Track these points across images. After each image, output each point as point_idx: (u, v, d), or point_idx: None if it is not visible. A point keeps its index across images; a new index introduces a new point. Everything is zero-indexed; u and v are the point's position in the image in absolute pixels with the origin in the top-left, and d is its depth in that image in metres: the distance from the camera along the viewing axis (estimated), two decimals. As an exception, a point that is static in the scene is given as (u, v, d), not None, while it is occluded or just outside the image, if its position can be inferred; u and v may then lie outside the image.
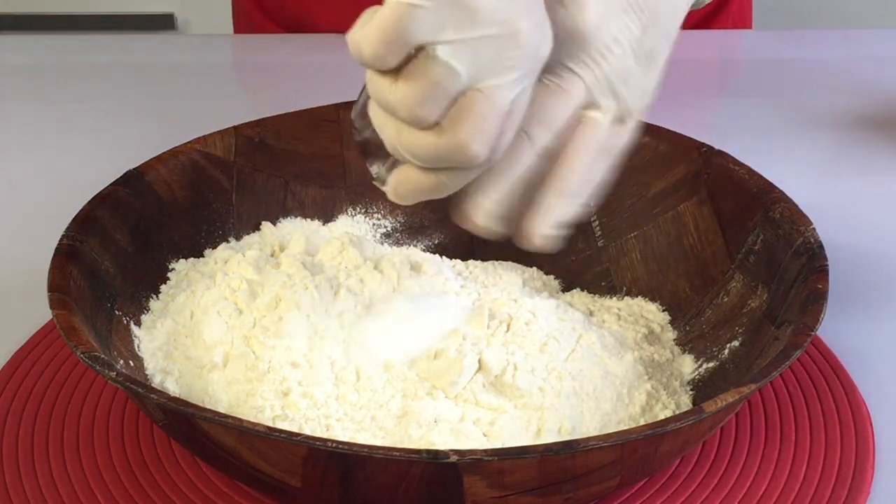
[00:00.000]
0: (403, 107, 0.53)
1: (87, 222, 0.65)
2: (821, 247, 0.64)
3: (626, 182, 0.74)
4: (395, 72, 0.54)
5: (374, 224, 0.77)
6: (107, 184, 0.68)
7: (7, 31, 2.24)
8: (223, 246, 0.72)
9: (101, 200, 0.67)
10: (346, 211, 0.77)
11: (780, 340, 0.60)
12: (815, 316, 0.59)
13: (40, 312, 0.69)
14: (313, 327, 0.63)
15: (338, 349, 0.63)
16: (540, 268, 0.75)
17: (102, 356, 0.56)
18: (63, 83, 1.06)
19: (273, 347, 0.62)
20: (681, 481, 0.61)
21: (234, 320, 0.65)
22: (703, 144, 0.72)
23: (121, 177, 0.69)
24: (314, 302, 0.64)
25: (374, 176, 0.60)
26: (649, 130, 0.74)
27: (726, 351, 0.66)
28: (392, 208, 0.77)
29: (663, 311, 0.71)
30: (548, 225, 0.59)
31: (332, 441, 0.51)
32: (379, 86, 0.54)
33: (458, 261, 0.75)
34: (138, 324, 0.66)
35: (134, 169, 0.70)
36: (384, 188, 0.59)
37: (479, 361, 0.61)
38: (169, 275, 0.69)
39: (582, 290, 0.74)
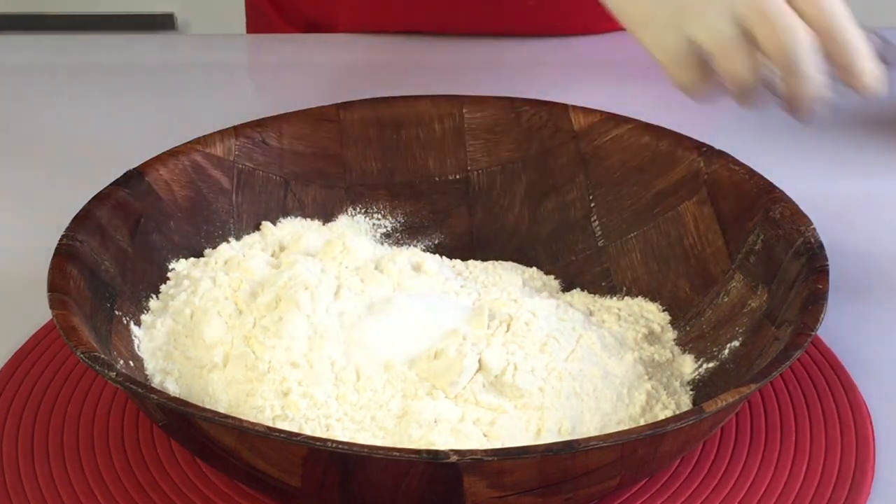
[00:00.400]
0: None
1: (87, 222, 0.65)
2: (821, 247, 0.64)
3: (626, 182, 0.74)
4: None
5: (374, 224, 0.77)
6: (107, 184, 0.68)
7: (7, 31, 2.23)
8: (223, 246, 0.72)
9: (101, 200, 0.67)
10: (346, 211, 0.77)
11: (780, 340, 0.60)
12: (816, 316, 0.59)
13: (40, 312, 0.69)
14: (313, 327, 0.63)
15: (338, 349, 0.63)
16: (540, 268, 0.75)
17: (102, 356, 0.56)
18: (63, 83, 1.06)
19: (273, 347, 0.62)
20: (681, 481, 0.61)
21: (234, 320, 0.65)
22: (703, 144, 0.72)
23: (121, 177, 0.69)
24: (314, 302, 0.64)
25: None
26: (649, 130, 0.74)
27: (726, 351, 0.66)
28: (392, 208, 0.77)
29: (663, 311, 0.71)
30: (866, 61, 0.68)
31: (332, 441, 0.51)
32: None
33: (458, 261, 0.75)
34: (138, 324, 0.66)
35: (134, 169, 0.70)
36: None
37: (479, 361, 0.61)
38: (169, 275, 0.69)
39: (582, 290, 0.74)
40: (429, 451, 0.51)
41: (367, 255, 0.71)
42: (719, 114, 1.01)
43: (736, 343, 0.65)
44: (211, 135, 0.73)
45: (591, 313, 0.70)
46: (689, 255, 0.71)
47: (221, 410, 0.60)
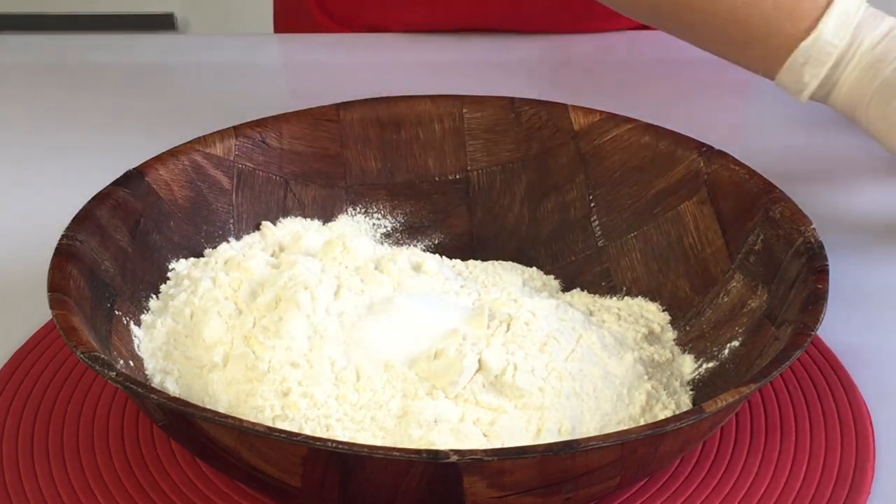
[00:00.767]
0: None
1: (87, 222, 0.65)
2: (821, 247, 0.64)
3: (626, 182, 0.74)
4: None
5: (374, 224, 0.77)
6: (107, 184, 0.68)
7: (7, 31, 2.23)
8: (223, 246, 0.72)
9: (101, 200, 0.67)
10: (346, 211, 0.77)
11: (780, 340, 0.60)
12: (816, 316, 0.59)
13: (40, 312, 0.69)
14: (313, 327, 0.63)
15: (338, 349, 0.63)
16: (540, 268, 0.75)
17: (102, 356, 0.56)
18: (63, 83, 1.06)
19: (273, 347, 0.62)
20: (681, 481, 0.61)
21: (234, 320, 0.65)
22: (703, 144, 0.72)
23: (121, 177, 0.69)
24: (314, 302, 0.64)
25: None
26: (649, 130, 0.74)
27: (726, 351, 0.66)
28: (392, 208, 0.77)
29: (663, 311, 0.71)
30: None
31: (332, 441, 0.51)
32: None
33: (458, 261, 0.75)
34: (138, 324, 0.66)
35: (134, 169, 0.70)
36: None
37: (479, 361, 0.61)
38: (169, 275, 0.69)
39: (582, 290, 0.74)
40: (429, 451, 0.51)
41: (367, 255, 0.71)
42: (719, 114, 1.01)
43: (736, 343, 0.65)
44: (211, 135, 0.73)
45: (591, 313, 0.70)
46: (689, 255, 0.71)
47: (221, 410, 0.60)
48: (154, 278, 0.68)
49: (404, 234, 0.77)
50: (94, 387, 0.67)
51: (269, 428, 0.52)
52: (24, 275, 0.75)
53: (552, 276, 0.75)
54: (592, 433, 0.60)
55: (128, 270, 0.66)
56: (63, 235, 0.63)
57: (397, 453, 0.51)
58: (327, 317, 0.64)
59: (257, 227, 0.74)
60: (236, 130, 0.74)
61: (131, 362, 0.63)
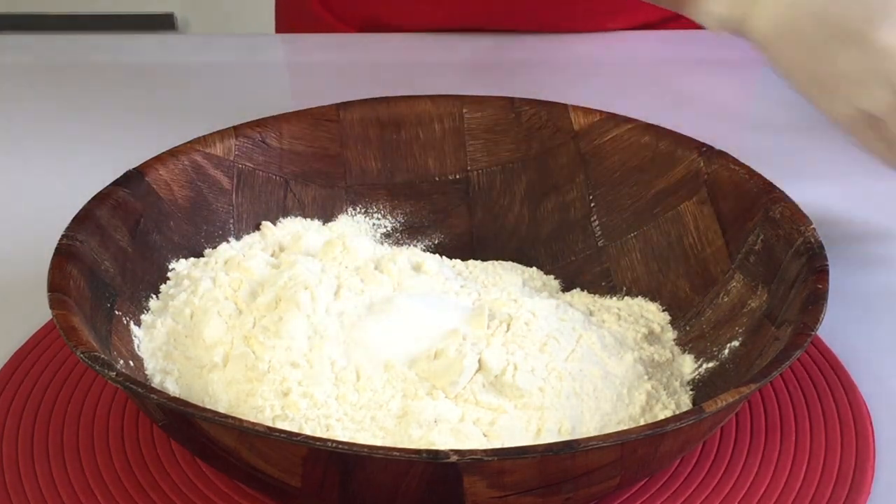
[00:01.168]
0: None
1: (87, 222, 0.65)
2: (821, 247, 0.64)
3: (626, 182, 0.74)
4: None
5: (374, 224, 0.77)
6: (107, 184, 0.68)
7: (7, 31, 2.24)
8: (223, 246, 0.72)
9: (101, 200, 0.67)
10: (346, 211, 0.77)
11: (780, 340, 0.60)
12: (816, 316, 0.59)
13: (40, 312, 0.69)
14: (313, 327, 0.63)
15: (338, 349, 0.63)
16: (540, 268, 0.75)
17: (102, 356, 0.56)
18: (63, 83, 1.06)
19: (273, 347, 0.62)
20: (681, 481, 0.61)
21: (234, 320, 0.65)
22: (703, 144, 0.72)
23: (121, 177, 0.69)
24: (314, 302, 0.64)
25: None
26: (649, 130, 0.74)
27: (726, 351, 0.66)
28: (392, 208, 0.77)
29: (663, 311, 0.71)
30: None
31: (333, 441, 0.51)
32: None
33: (458, 261, 0.75)
34: (138, 324, 0.66)
35: (134, 169, 0.70)
36: None
37: (479, 361, 0.61)
38: (169, 275, 0.69)
39: (582, 290, 0.74)
40: (429, 451, 0.51)
41: (367, 255, 0.71)
42: (719, 114, 1.01)
43: (736, 343, 0.65)
44: (211, 135, 0.73)
45: (591, 313, 0.70)
46: (689, 255, 0.71)
47: (221, 410, 0.60)
48: (154, 278, 0.68)
49: (404, 234, 0.77)
50: (94, 387, 0.67)
51: (269, 428, 0.52)
52: (24, 275, 0.75)
53: (552, 276, 0.75)
54: (592, 433, 0.60)
55: (128, 270, 0.66)
56: (63, 235, 0.63)
57: (397, 453, 0.51)
58: (327, 317, 0.64)
59: (257, 227, 0.74)
60: (236, 130, 0.74)
61: (131, 362, 0.63)
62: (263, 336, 0.63)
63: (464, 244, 0.77)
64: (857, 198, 0.87)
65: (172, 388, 0.63)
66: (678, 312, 0.70)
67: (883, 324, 0.74)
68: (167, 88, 1.05)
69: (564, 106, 0.76)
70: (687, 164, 0.72)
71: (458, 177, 0.77)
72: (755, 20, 0.73)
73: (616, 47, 1.10)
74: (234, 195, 0.73)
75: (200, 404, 0.60)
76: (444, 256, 0.74)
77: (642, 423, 0.61)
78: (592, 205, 0.75)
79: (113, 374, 0.54)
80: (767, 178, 0.69)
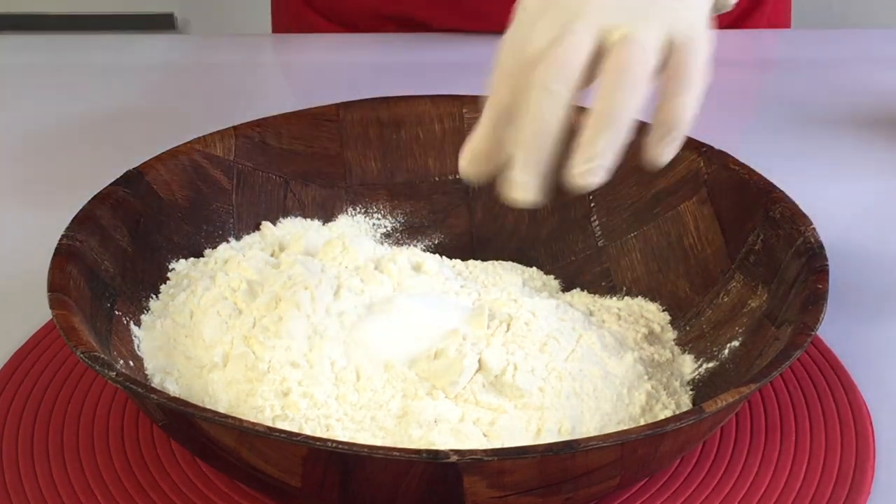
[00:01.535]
0: None
1: (87, 222, 0.65)
2: (821, 247, 0.64)
3: (626, 182, 0.74)
4: None
5: (374, 224, 0.77)
6: (107, 184, 0.68)
7: (7, 31, 2.24)
8: (223, 246, 0.72)
9: (101, 200, 0.67)
10: (346, 211, 0.77)
11: (780, 340, 0.60)
12: (816, 316, 0.59)
13: (40, 312, 0.69)
14: (313, 327, 0.63)
15: (338, 349, 0.63)
16: (540, 268, 0.75)
17: (102, 356, 0.56)
18: (63, 83, 1.06)
19: (273, 347, 0.62)
20: (681, 481, 0.61)
21: (234, 320, 0.65)
22: (703, 144, 0.72)
23: (121, 177, 0.69)
24: (314, 302, 0.64)
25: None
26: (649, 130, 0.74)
27: (726, 351, 0.66)
28: (392, 208, 0.77)
29: (663, 311, 0.71)
30: (585, 159, 0.56)
31: (332, 441, 0.51)
32: None
33: (458, 261, 0.75)
34: (138, 324, 0.66)
35: (134, 169, 0.70)
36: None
37: (479, 361, 0.61)
38: (169, 275, 0.69)
39: (582, 290, 0.74)
40: (429, 451, 0.51)
41: (367, 255, 0.71)
42: (719, 114, 1.01)
43: (736, 343, 0.65)
44: (211, 135, 0.73)
45: (591, 313, 0.70)
46: (689, 255, 0.71)
47: (221, 410, 0.60)
48: (154, 278, 0.68)
49: (404, 234, 0.77)
50: (94, 387, 0.67)
51: (269, 428, 0.52)
52: (24, 275, 0.75)
53: (552, 276, 0.75)
54: (592, 433, 0.60)
55: (128, 270, 0.66)
56: (63, 235, 0.63)
57: (397, 453, 0.51)
58: (327, 317, 0.64)
59: (257, 227, 0.74)
60: (236, 130, 0.74)
61: (131, 362, 0.63)
62: (263, 336, 0.63)
63: (464, 244, 0.77)
64: (857, 198, 0.87)
65: (172, 388, 0.63)
66: (678, 312, 0.70)
67: (883, 324, 0.74)
68: (167, 88, 1.05)
69: (564, 106, 0.76)
70: (687, 164, 0.72)
71: (458, 177, 0.77)
72: None
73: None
74: (234, 195, 0.73)
75: (200, 404, 0.60)
76: (444, 256, 0.74)
77: (642, 423, 0.61)
78: (592, 205, 0.75)
79: (113, 374, 0.54)
80: (767, 178, 0.69)
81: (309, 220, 0.75)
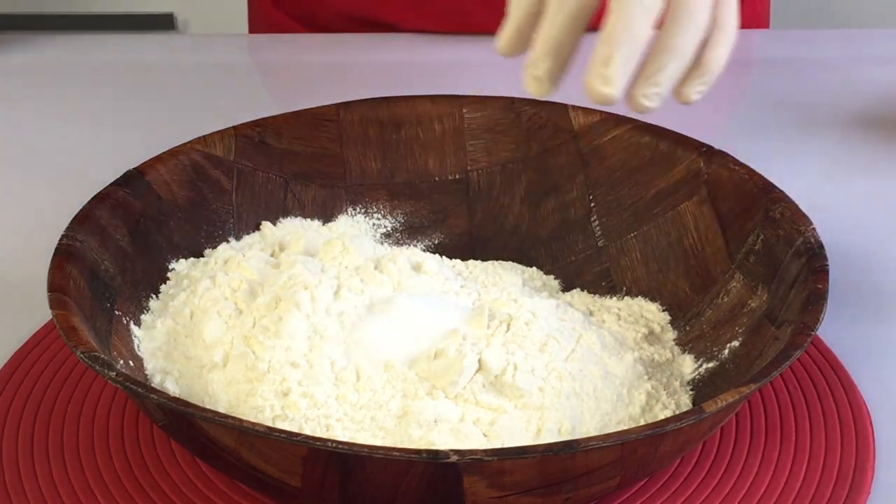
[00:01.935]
0: None
1: (87, 222, 0.65)
2: (821, 247, 0.64)
3: (626, 182, 0.74)
4: None
5: (374, 224, 0.77)
6: (107, 184, 0.68)
7: (7, 31, 2.24)
8: (223, 246, 0.72)
9: (101, 200, 0.67)
10: (346, 211, 0.77)
11: (780, 340, 0.60)
12: (816, 316, 0.59)
13: (40, 312, 0.69)
14: (313, 327, 0.63)
15: (338, 349, 0.63)
16: (540, 268, 0.75)
17: (102, 356, 0.56)
18: (63, 83, 1.06)
19: (273, 347, 0.62)
20: (681, 481, 0.61)
21: (234, 320, 0.65)
22: (703, 144, 0.72)
23: (121, 177, 0.69)
24: (314, 302, 0.64)
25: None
26: (649, 130, 0.74)
27: (726, 351, 0.66)
28: (392, 208, 0.77)
29: (663, 311, 0.71)
30: (650, 84, 0.61)
31: (332, 441, 0.51)
32: None
33: (458, 261, 0.75)
34: (138, 324, 0.66)
35: (134, 169, 0.70)
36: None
37: (479, 361, 0.61)
38: (169, 275, 0.69)
39: (582, 290, 0.74)
40: (429, 451, 0.51)
41: (367, 255, 0.71)
42: (719, 114, 1.01)
43: (736, 343, 0.65)
44: (211, 135, 0.73)
45: (591, 313, 0.70)
46: (689, 255, 0.71)
47: (221, 410, 0.60)
48: (154, 278, 0.68)
49: (404, 234, 0.77)
50: (94, 387, 0.67)
51: (269, 428, 0.52)
52: (24, 275, 0.75)
53: (552, 276, 0.75)
54: (592, 433, 0.60)
55: (128, 270, 0.66)
56: (63, 235, 0.63)
57: (397, 453, 0.51)
58: (327, 317, 0.64)
59: (257, 227, 0.74)
60: (236, 130, 0.74)
61: (131, 362, 0.63)
62: (263, 336, 0.63)
63: (464, 244, 0.77)
64: (857, 198, 0.87)
65: (172, 388, 0.63)
66: (678, 312, 0.70)
67: (883, 324, 0.74)
68: (167, 88, 1.05)
69: (564, 106, 0.76)
70: (687, 164, 0.72)
71: (458, 177, 0.77)
72: None
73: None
74: (234, 195, 0.73)
75: (200, 404, 0.60)
76: (444, 256, 0.74)
77: (642, 423, 0.61)
78: (592, 205, 0.75)
79: (113, 374, 0.54)
80: (767, 178, 0.69)
81: (309, 220, 0.75)
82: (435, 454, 0.50)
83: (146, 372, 0.63)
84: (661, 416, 0.62)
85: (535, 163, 0.77)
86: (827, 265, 0.62)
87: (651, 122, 0.75)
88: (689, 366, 0.67)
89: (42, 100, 1.03)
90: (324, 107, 0.77)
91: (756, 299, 0.66)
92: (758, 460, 0.62)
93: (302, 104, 0.77)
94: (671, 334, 0.69)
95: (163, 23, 2.35)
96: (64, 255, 0.62)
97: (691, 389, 0.66)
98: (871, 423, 0.65)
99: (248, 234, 0.74)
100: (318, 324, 0.64)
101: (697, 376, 0.66)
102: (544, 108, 0.77)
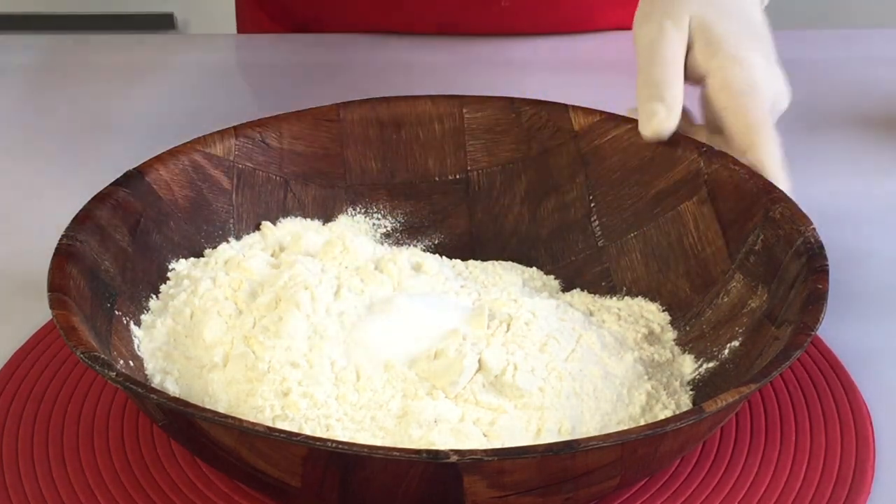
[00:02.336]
0: None
1: (87, 222, 0.65)
2: (821, 247, 0.64)
3: (626, 182, 0.74)
4: None
5: (374, 224, 0.77)
6: (107, 184, 0.68)
7: (7, 31, 2.24)
8: (223, 246, 0.72)
9: (101, 200, 0.67)
10: (346, 211, 0.77)
11: (780, 340, 0.60)
12: (816, 316, 0.59)
13: (40, 312, 0.69)
14: (313, 327, 0.63)
15: (338, 349, 0.63)
16: (540, 268, 0.75)
17: (102, 356, 0.56)
18: (63, 83, 1.06)
19: (273, 347, 0.62)
20: (681, 481, 0.61)
21: (234, 320, 0.65)
22: (703, 144, 0.72)
23: (121, 177, 0.69)
24: (314, 302, 0.64)
25: None
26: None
27: (726, 351, 0.66)
28: (392, 208, 0.77)
29: (663, 311, 0.71)
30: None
31: (332, 441, 0.51)
32: None
33: (458, 261, 0.75)
34: (138, 324, 0.66)
35: (134, 169, 0.70)
36: None
37: (479, 361, 0.61)
38: (169, 275, 0.69)
39: (582, 290, 0.74)
40: (429, 451, 0.51)
41: (367, 255, 0.71)
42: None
43: (736, 343, 0.65)
44: (211, 135, 0.73)
45: (591, 313, 0.70)
46: (689, 255, 0.71)
47: (221, 410, 0.60)
48: (154, 278, 0.68)
49: (404, 234, 0.77)
50: (94, 387, 0.67)
51: (268, 428, 0.52)
52: (24, 275, 0.75)
53: (552, 276, 0.75)
54: (592, 433, 0.60)
55: (128, 270, 0.66)
56: (63, 235, 0.63)
57: (397, 453, 0.51)
58: (327, 317, 0.64)
59: (257, 227, 0.74)
60: (236, 130, 0.74)
61: (131, 362, 0.63)
62: (263, 336, 0.63)
63: (464, 244, 0.77)
64: (857, 198, 0.87)
65: (172, 388, 0.63)
66: (678, 312, 0.70)
67: (883, 324, 0.74)
68: (167, 88, 1.05)
69: (564, 106, 0.76)
70: (687, 164, 0.72)
71: (458, 177, 0.77)
72: None
73: (616, 47, 1.10)
74: (234, 195, 0.73)
75: (200, 404, 0.60)
76: (444, 256, 0.74)
77: (642, 423, 0.61)
78: (592, 205, 0.75)
79: (113, 374, 0.54)
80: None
81: (309, 220, 0.75)
82: (435, 454, 0.50)
83: (146, 372, 0.63)
84: (661, 417, 0.62)
85: (535, 163, 0.77)
86: (827, 265, 0.62)
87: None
88: (689, 366, 0.67)
89: (42, 100, 1.03)
90: (324, 107, 0.77)
91: (756, 299, 0.66)
92: (758, 460, 0.62)
93: (302, 104, 0.77)
94: (671, 334, 0.69)
95: (163, 23, 2.35)
96: (64, 255, 0.62)
97: (691, 389, 0.66)
98: (871, 423, 0.65)
99: (248, 234, 0.74)
100: (318, 324, 0.64)
101: (697, 376, 0.66)
102: (544, 108, 0.77)
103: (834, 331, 0.70)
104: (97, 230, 0.65)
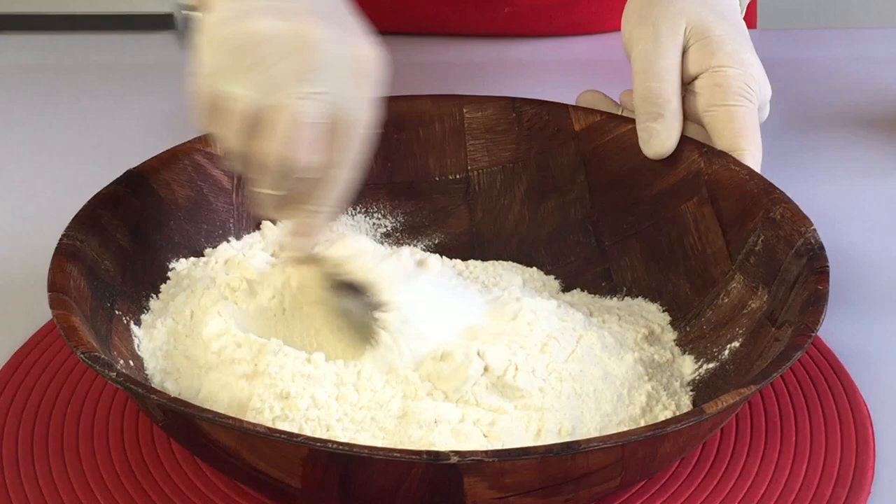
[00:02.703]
0: None
1: (88, 222, 0.65)
2: (821, 248, 0.64)
3: (626, 182, 0.74)
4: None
5: (374, 224, 0.77)
6: (107, 184, 0.68)
7: (7, 31, 2.24)
8: (223, 246, 0.72)
9: (101, 200, 0.67)
10: (346, 211, 0.76)
11: (780, 341, 0.60)
12: (816, 317, 0.59)
13: (40, 312, 0.69)
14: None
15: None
16: (540, 268, 0.75)
17: (102, 356, 0.56)
18: (63, 83, 1.06)
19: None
20: (681, 482, 0.61)
21: (234, 320, 0.65)
22: (703, 145, 0.72)
23: (121, 177, 0.69)
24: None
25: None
26: (650, 131, 0.74)
27: (726, 352, 0.66)
28: (392, 208, 0.77)
29: (664, 311, 0.71)
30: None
31: (333, 442, 0.51)
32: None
33: (458, 261, 0.75)
34: (138, 324, 0.66)
35: (134, 169, 0.70)
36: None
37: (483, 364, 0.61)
38: (169, 275, 0.69)
39: (582, 290, 0.74)
40: (429, 452, 0.51)
41: (368, 255, 0.70)
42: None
43: (736, 344, 0.65)
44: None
45: (591, 314, 0.70)
46: (689, 256, 0.71)
47: (222, 411, 0.60)
48: (154, 278, 0.68)
49: (404, 233, 0.77)
50: (94, 387, 0.67)
51: (269, 429, 0.52)
52: (24, 275, 0.75)
53: (552, 277, 0.75)
54: (593, 434, 0.60)
55: (128, 270, 0.66)
56: (63, 235, 0.63)
57: (398, 454, 0.51)
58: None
59: (257, 227, 0.74)
60: (236, 130, 0.74)
61: (131, 362, 0.63)
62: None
63: (464, 244, 0.77)
64: (857, 198, 0.87)
65: (172, 388, 0.63)
66: (678, 313, 0.70)
67: (883, 324, 0.74)
68: (167, 88, 1.05)
69: (565, 106, 0.77)
70: (687, 164, 0.72)
71: (458, 177, 0.77)
72: None
73: (616, 47, 1.10)
74: (234, 194, 0.73)
75: (200, 404, 0.60)
76: (444, 256, 0.74)
77: (642, 423, 0.61)
78: (593, 205, 0.75)
79: (113, 374, 0.54)
80: (767, 178, 0.69)
81: (309, 220, 0.75)
82: (436, 455, 0.50)
83: (146, 372, 0.63)
84: (662, 417, 0.62)
85: (535, 163, 0.77)
86: (827, 266, 0.62)
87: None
88: (689, 366, 0.67)
89: (42, 100, 1.03)
90: (324, 107, 0.77)
91: (756, 300, 0.66)
92: (758, 461, 0.62)
93: (302, 104, 0.77)
94: (671, 335, 0.69)
95: (163, 23, 2.35)
96: (64, 255, 0.62)
97: (691, 390, 0.66)
98: (871, 423, 0.65)
99: (249, 233, 0.73)
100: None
101: (697, 377, 0.66)
102: (545, 108, 0.77)
103: (834, 331, 0.70)
104: (97, 230, 0.65)
